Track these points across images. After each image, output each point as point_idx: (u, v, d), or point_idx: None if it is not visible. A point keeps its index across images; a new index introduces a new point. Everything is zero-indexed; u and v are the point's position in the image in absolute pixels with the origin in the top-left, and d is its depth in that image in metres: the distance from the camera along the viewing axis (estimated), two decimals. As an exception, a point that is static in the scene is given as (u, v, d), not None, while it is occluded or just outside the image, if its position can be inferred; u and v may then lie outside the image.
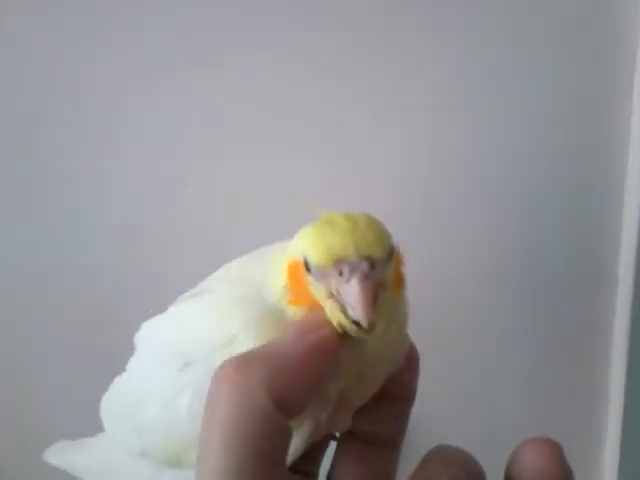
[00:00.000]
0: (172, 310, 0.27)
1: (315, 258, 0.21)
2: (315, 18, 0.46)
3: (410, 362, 0.25)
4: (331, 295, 0.21)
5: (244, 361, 0.19)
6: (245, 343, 0.22)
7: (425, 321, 0.50)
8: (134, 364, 0.28)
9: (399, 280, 0.23)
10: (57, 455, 0.30)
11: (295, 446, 0.22)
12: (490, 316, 0.52)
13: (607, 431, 0.54)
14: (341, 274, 0.20)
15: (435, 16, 0.46)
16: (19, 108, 0.46)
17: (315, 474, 0.28)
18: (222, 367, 0.19)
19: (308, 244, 0.21)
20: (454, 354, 0.52)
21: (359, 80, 0.47)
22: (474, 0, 0.46)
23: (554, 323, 0.52)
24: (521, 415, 0.53)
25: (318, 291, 0.21)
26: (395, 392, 0.25)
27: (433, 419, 0.50)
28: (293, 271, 0.22)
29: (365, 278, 0.20)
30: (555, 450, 0.20)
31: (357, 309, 0.20)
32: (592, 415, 0.54)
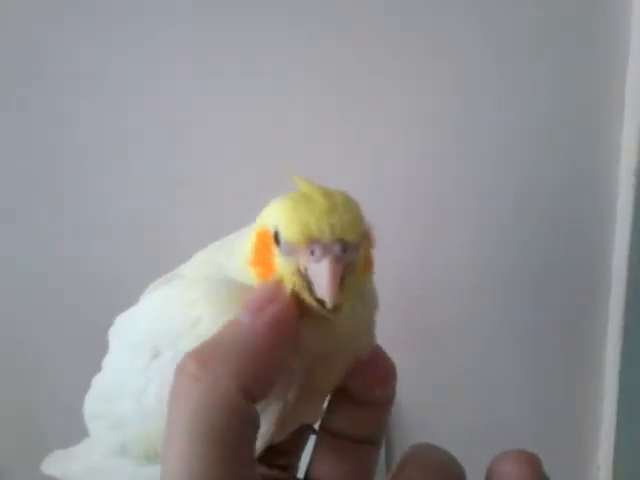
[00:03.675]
0: (142, 301, 0.27)
1: (288, 234, 0.20)
2: (316, 19, 0.46)
3: (381, 374, 0.24)
4: (298, 271, 0.21)
5: (205, 355, 0.19)
6: (210, 321, 0.22)
7: (421, 320, 0.51)
8: (108, 359, 0.28)
9: (368, 262, 0.22)
10: (53, 465, 0.31)
11: (265, 429, 0.21)
12: (486, 315, 0.52)
13: (601, 430, 0.54)
14: (312, 254, 0.20)
15: (433, 17, 0.46)
16: (19, 108, 0.47)
17: (294, 468, 0.28)
18: (183, 364, 0.19)
19: (282, 218, 0.21)
20: (449, 352, 0.52)
21: (358, 80, 0.47)
22: (470, 4, 0.46)
23: (549, 323, 0.52)
24: (516, 413, 0.53)
25: (284, 265, 0.21)
26: (371, 398, 0.24)
27: (428, 416, 0.50)
28: (260, 238, 0.22)
29: (336, 260, 0.20)
30: (533, 463, 0.20)
31: (324, 289, 0.20)
32: (587, 413, 0.54)
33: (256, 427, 0.19)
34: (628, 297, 0.50)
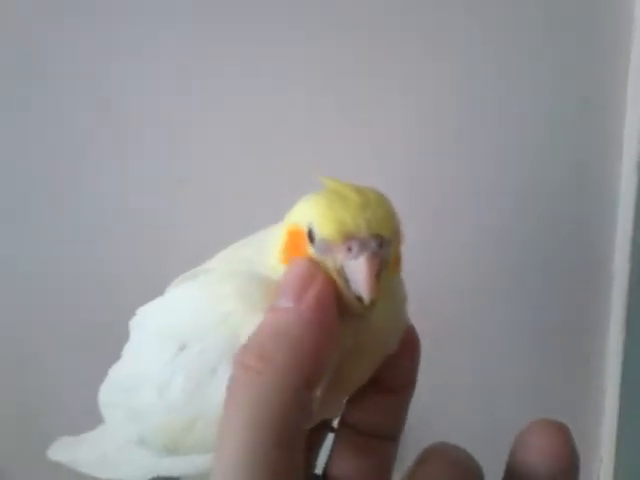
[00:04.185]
0: (168, 294, 0.27)
1: (324, 231, 0.20)
2: (316, 19, 0.46)
3: (409, 346, 0.24)
4: (334, 269, 0.21)
5: (264, 348, 0.19)
6: (241, 317, 0.22)
7: (421, 320, 0.51)
8: (129, 349, 0.28)
9: (397, 259, 0.22)
10: (60, 451, 0.30)
11: None
12: (486, 315, 0.52)
13: (603, 424, 0.54)
14: (349, 250, 0.20)
15: (433, 17, 0.46)
16: (19, 108, 0.47)
17: (311, 464, 0.28)
18: (243, 358, 0.19)
19: (316, 215, 0.21)
20: (449, 352, 0.52)
21: (358, 80, 0.47)
22: (470, 4, 0.46)
23: (549, 323, 0.52)
24: (516, 414, 0.53)
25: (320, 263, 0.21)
26: (394, 380, 0.24)
27: (428, 416, 0.50)
28: (291, 237, 0.22)
29: (373, 256, 0.20)
30: (564, 433, 0.20)
31: (362, 286, 0.20)
32: (589, 407, 0.54)
33: (311, 414, 0.19)
34: (630, 294, 0.50)
